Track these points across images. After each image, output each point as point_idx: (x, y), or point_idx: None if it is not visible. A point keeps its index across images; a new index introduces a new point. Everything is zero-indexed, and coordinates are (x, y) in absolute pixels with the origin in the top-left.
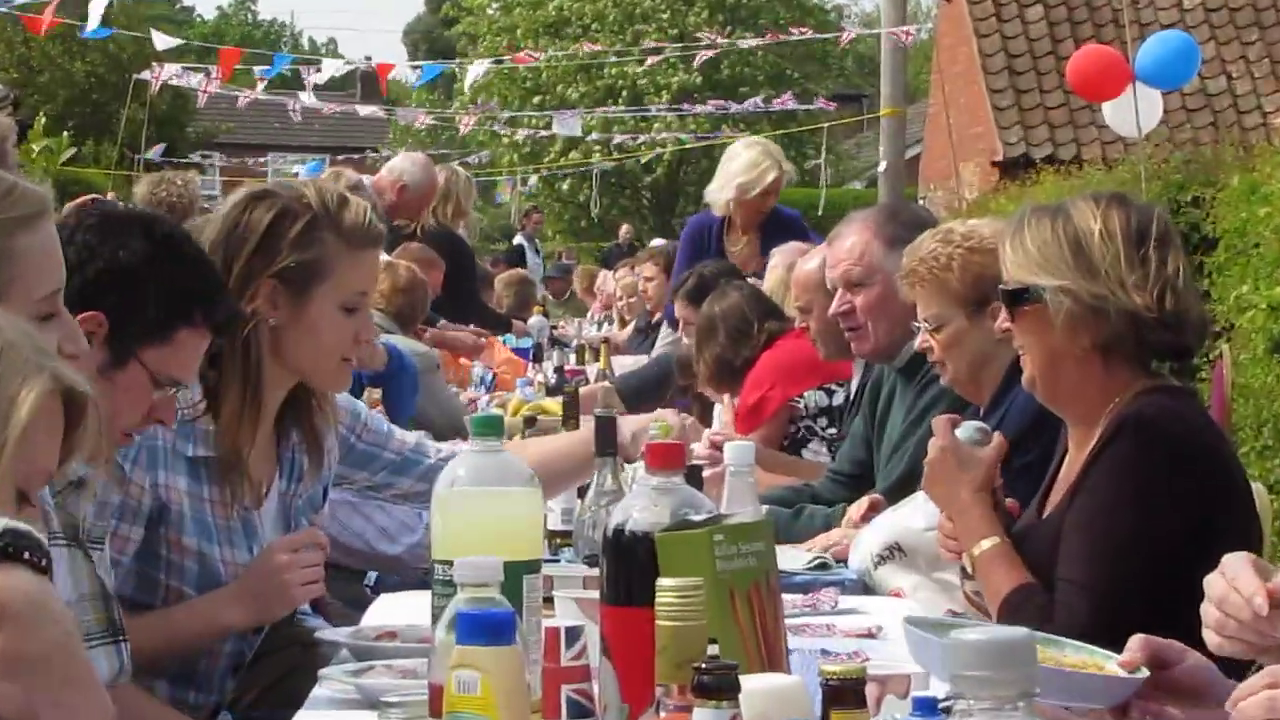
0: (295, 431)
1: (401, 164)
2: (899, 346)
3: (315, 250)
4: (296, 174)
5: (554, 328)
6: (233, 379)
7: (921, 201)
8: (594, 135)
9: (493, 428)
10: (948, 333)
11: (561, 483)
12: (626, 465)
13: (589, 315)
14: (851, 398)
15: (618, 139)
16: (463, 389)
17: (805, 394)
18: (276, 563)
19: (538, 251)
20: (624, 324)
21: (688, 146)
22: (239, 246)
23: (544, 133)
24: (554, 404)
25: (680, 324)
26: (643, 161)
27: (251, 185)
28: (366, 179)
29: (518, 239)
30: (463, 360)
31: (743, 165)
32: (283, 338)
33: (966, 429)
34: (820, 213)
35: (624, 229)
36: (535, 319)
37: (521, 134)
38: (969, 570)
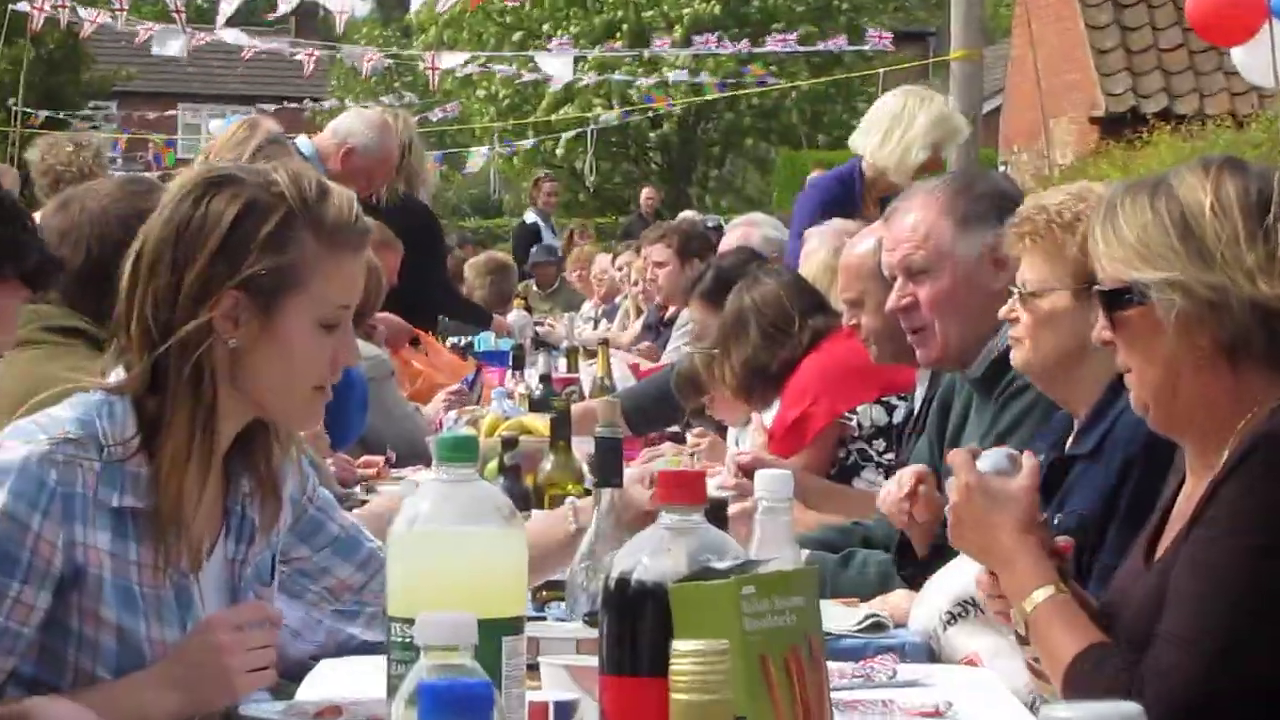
0: (247, 479)
1: (350, 123)
2: (974, 351)
3: (291, 253)
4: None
5: (539, 325)
6: (179, 409)
7: (1002, 169)
8: (590, 78)
9: (463, 452)
10: (1045, 304)
11: (532, 574)
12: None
13: (583, 309)
14: (915, 415)
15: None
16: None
17: (858, 409)
18: (216, 642)
19: (554, 231)
20: (638, 315)
21: (708, 98)
22: (194, 247)
23: (527, 76)
24: (539, 422)
25: (695, 330)
26: (651, 116)
27: (204, 168)
28: (304, 140)
29: (529, 215)
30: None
31: (935, 117)
32: (245, 361)
33: (992, 458)
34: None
35: (646, 194)
36: (515, 314)
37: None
38: (1023, 633)
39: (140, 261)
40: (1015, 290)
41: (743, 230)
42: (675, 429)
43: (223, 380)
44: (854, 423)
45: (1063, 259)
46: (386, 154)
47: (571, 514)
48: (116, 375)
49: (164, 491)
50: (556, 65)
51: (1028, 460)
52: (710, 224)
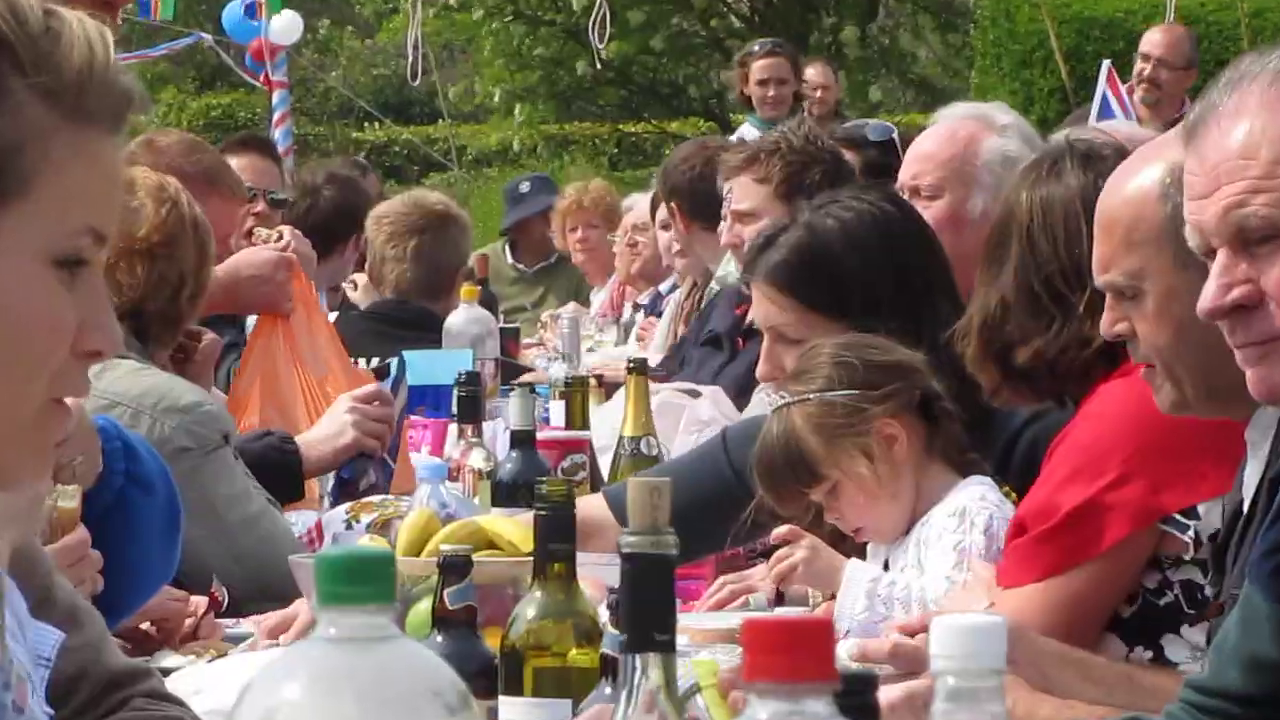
0: None
1: None
2: None
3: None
4: None
5: (510, 330)
6: None
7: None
8: None
9: (367, 584)
10: None
11: None
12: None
13: (594, 309)
14: (1244, 514)
15: None
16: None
17: (1199, 508)
18: None
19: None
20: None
21: None
22: None
23: None
24: (510, 526)
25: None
26: None
27: None
28: None
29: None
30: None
31: None
32: None
33: None
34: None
35: (816, 76)
36: (465, 313)
37: None
38: None
39: None
40: None
41: (970, 126)
42: (761, 546)
43: None
44: (1189, 534)
45: None
46: None
47: None
48: None
49: None
50: None
51: None
52: (874, 135)
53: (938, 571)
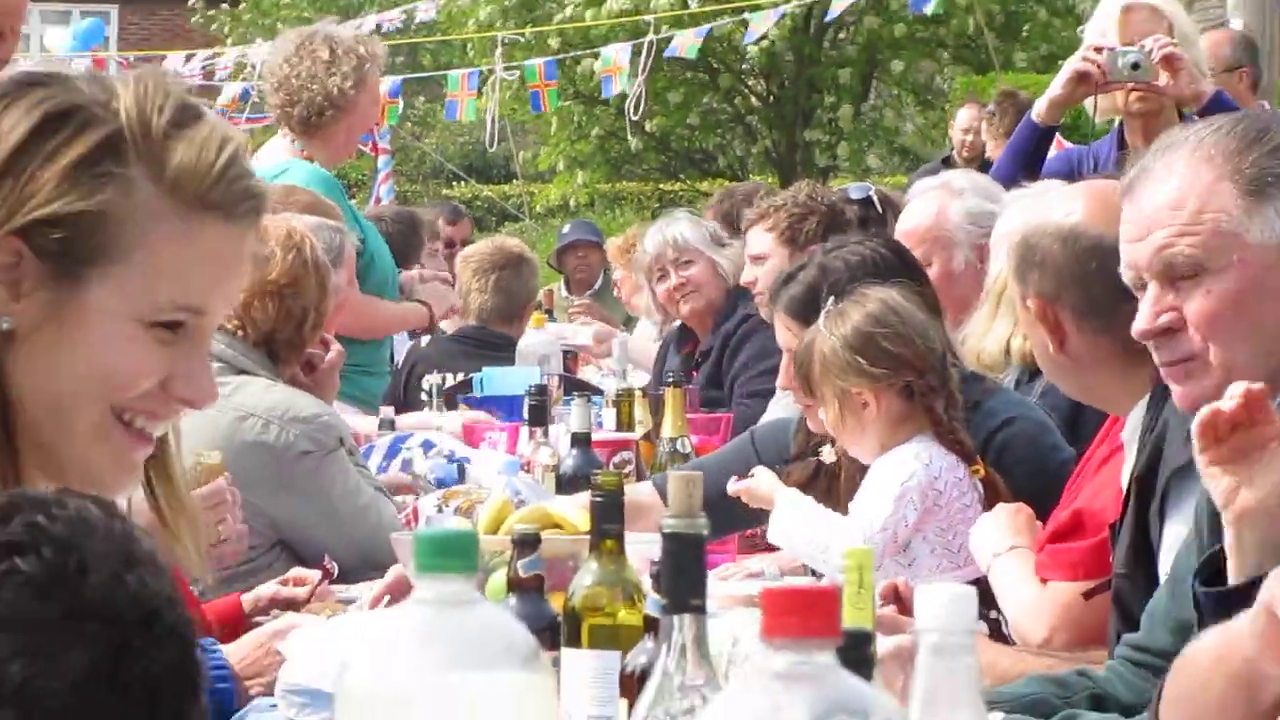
0: None
1: None
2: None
3: (105, 197)
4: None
5: (570, 355)
6: None
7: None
8: None
9: (453, 557)
10: None
11: None
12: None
13: (639, 327)
14: (1125, 497)
15: None
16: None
17: None
18: None
19: None
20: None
21: None
22: None
23: None
24: (571, 510)
25: (785, 365)
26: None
27: (22, 69)
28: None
29: None
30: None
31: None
32: (17, 354)
33: None
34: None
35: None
36: (534, 336)
37: None
38: None
39: None
40: None
41: (934, 202)
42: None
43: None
44: None
45: None
46: None
47: None
48: None
49: None
50: None
51: None
52: (854, 194)
53: (862, 503)
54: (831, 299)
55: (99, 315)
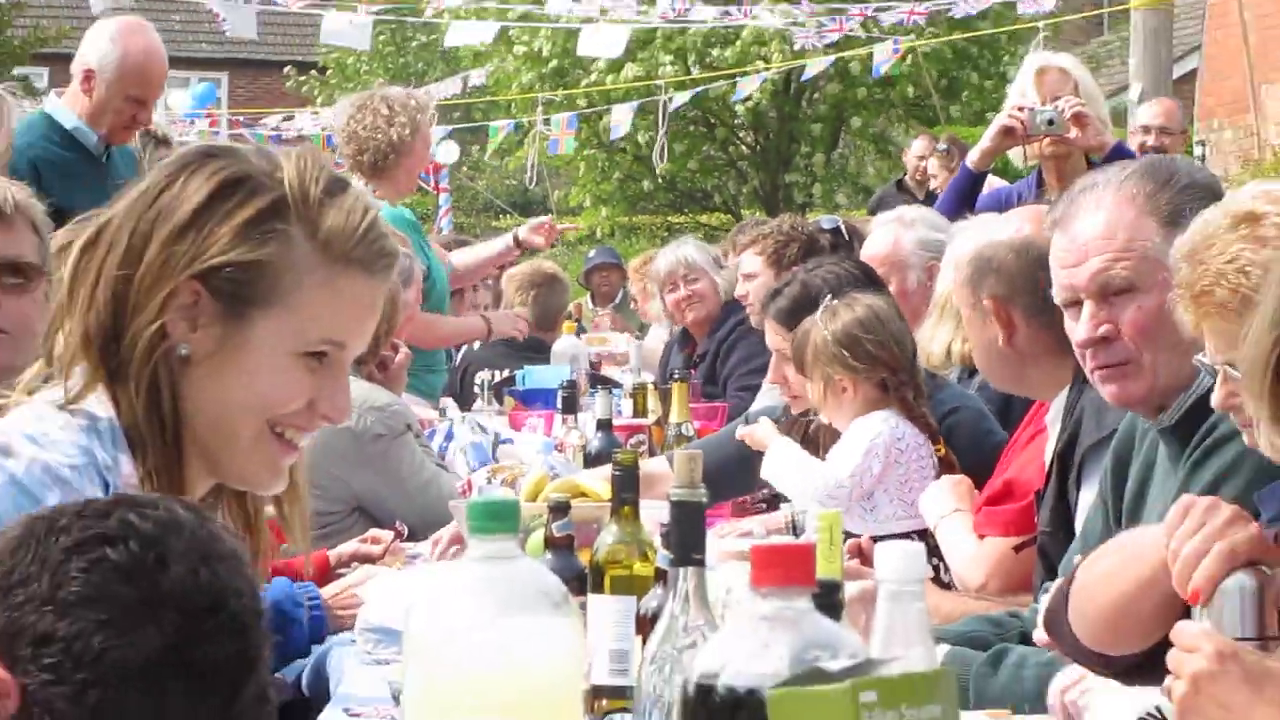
0: None
1: (85, 44)
2: (1176, 391)
3: (271, 251)
4: (170, 109)
5: (596, 358)
6: (144, 431)
7: (1198, 149)
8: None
9: (500, 521)
10: None
11: None
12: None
13: (651, 332)
14: (1048, 468)
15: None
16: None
17: None
18: None
19: None
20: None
21: (805, 61)
22: (156, 225)
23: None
24: (596, 482)
25: (774, 363)
26: (741, 91)
27: (205, 144)
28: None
29: None
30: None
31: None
32: (193, 375)
33: (1236, 590)
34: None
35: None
36: (566, 341)
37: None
38: None
39: (97, 241)
40: (1216, 367)
41: (891, 233)
42: (765, 495)
43: (182, 394)
44: None
45: None
46: (134, 65)
47: None
48: (52, 391)
49: None
50: (606, 42)
51: None
52: (826, 224)
53: (834, 456)
54: (829, 297)
55: (260, 347)
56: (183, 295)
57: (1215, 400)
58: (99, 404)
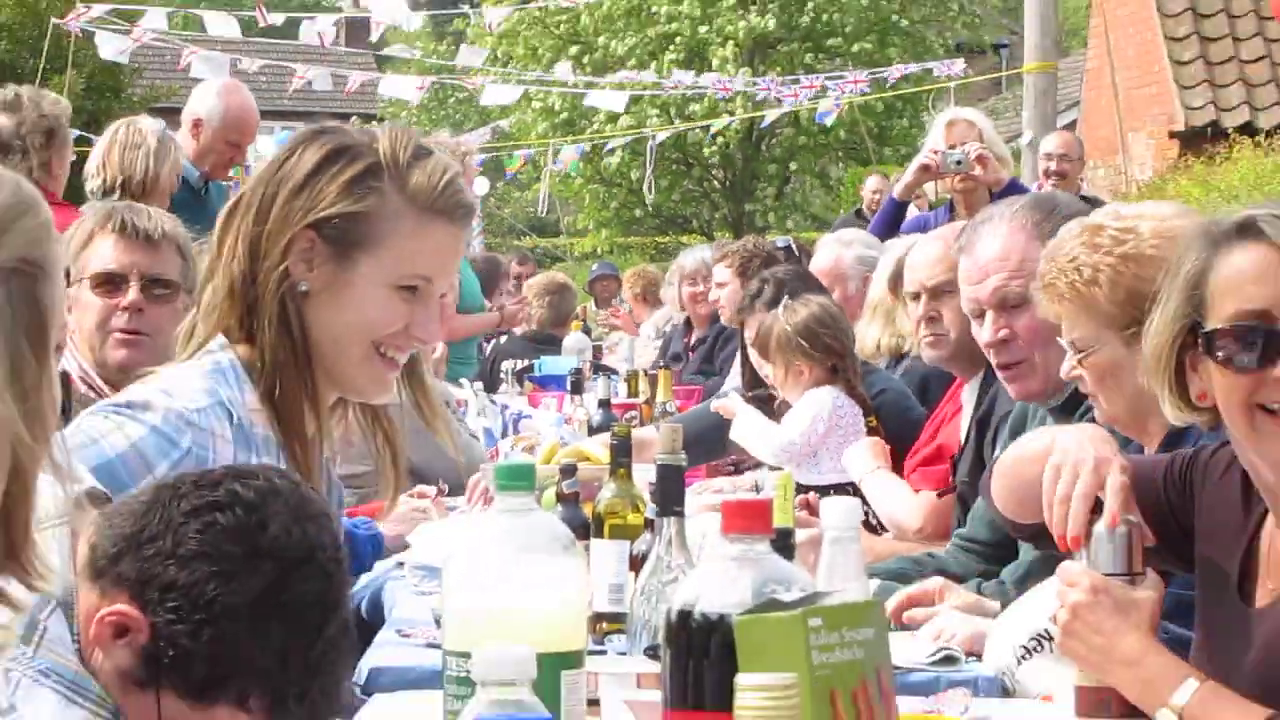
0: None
1: (195, 96)
2: (1064, 385)
3: (369, 203)
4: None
5: (597, 345)
6: (277, 360)
7: (1080, 184)
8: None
9: (521, 479)
10: (1098, 361)
11: None
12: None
13: (642, 330)
14: (965, 436)
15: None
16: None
17: None
18: None
19: None
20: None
21: (763, 114)
22: (278, 186)
23: (581, 86)
24: (598, 448)
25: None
26: (712, 132)
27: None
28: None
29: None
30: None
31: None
32: (312, 305)
33: (1107, 537)
34: (934, 198)
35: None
36: (574, 337)
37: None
38: None
39: (236, 207)
40: (1066, 348)
41: (834, 251)
42: (733, 460)
43: (309, 326)
44: None
45: (1097, 313)
46: (234, 117)
47: None
48: (199, 337)
49: (290, 449)
50: (608, 100)
51: (1153, 578)
52: (780, 244)
53: (788, 421)
54: (787, 296)
55: (364, 282)
56: (300, 242)
57: (1063, 371)
58: (221, 350)
